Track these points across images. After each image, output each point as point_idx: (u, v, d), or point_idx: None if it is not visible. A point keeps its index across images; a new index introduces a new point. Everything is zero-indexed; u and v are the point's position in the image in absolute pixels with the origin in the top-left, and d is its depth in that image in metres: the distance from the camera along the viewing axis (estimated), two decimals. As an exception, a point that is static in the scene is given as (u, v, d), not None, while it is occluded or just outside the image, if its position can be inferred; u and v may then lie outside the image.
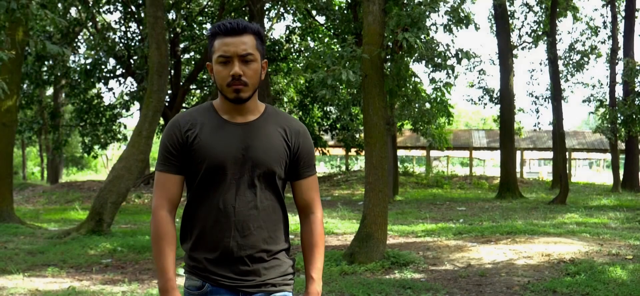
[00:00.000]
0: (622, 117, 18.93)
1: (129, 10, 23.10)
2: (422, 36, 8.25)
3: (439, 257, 8.39)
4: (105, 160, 49.04)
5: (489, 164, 56.56)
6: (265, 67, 2.15)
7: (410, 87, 12.19)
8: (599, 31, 26.38)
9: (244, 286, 2.11)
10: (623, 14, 23.96)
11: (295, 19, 25.93)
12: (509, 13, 21.23)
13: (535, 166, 56.90)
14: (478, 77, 26.57)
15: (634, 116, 17.58)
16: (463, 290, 6.66)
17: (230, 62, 2.06)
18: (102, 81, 23.81)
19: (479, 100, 26.70)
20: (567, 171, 22.58)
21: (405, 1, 8.25)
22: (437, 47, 9.16)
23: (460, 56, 8.59)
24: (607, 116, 20.10)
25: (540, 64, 25.14)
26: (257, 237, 2.11)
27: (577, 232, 10.23)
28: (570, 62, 23.21)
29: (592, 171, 59.59)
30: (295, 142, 2.18)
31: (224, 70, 2.07)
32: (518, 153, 35.11)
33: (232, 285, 2.11)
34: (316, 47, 25.26)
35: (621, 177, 23.31)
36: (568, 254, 8.17)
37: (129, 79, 25.36)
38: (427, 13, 8.37)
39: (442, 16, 8.95)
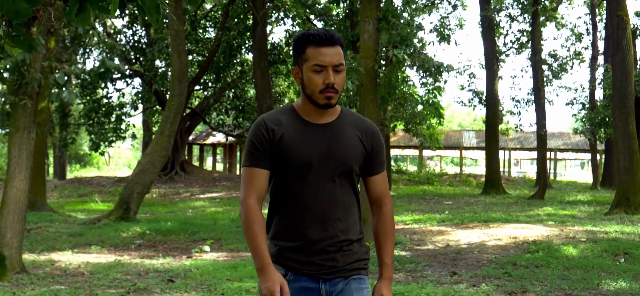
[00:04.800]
0: (598, 120, 20.44)
1: (136, 13, 24.42)
2: (410, 51, 9.72)
3: (423, 239, 9.86)
4: (108, 158, 50.32)
5: (482, 164, 57.96)
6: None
7: (405, 89, 13.63)
8: (583, 37, 27.90)
9: (323, 272, 2.29)
10: (605, 21, 25.44)
11: (294, 23, 27.28)
12: (494, 22, 22.72)
13: (526, 165, 58.32)
14: (468, 81, 28.03)
15: (608, 119, 19.04)
16: (441, 264, 8.09)
17: (324, 71, 2.22)
18: (112, 82, 25.17)
19: (469, 102, 28.14)
20: (548, 170, 24.00)
21: (395, 22, 9.69)
22: (424, 58, 10.64)
23: (441, 69, 10.04)
24: (584, 119, 21.61)
25: (522, 70, 26.64)
26: (335, 228, 2.29)
27: (545, 221, 11.70)
28: (552, 68, 24.71)
29: (584, 171, 60.89)
30: (370, 142, 2.36)
31: (317, 78, 2.22)
32: (506, 152, 36.67)
33: (312, 272, 2.28)
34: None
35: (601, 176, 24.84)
36: (532, 237, 9.63)
37: (137, 79, 26.78)
38: (415, 31, 9.85)
39: (427, 34, 10.40)
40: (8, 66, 6.64)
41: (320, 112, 2.29)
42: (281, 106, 2.50)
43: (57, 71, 6.76)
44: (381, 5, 9.85)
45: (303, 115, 2.31)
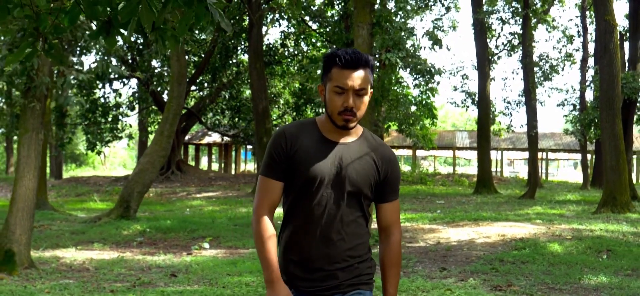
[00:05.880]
0: (587, 121, 20.86)
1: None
2: (402, 55, 10.08)
3: (414, 237, 10.21)
4: (103, 158, 50.51)
5: (476, 164, 58.33)
6: (371, 94, 2.33)
7: (398, 90, 13.92)
8: (574, 39, 28.35)
9: (322, 290, 2.29)
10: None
11: (290, 25, 27.63)
12: (486, 25, 23.12)
13: (520, 165, 58.86)
14: (461, 82, 28.45)
15: (597, 120, 19.45)
16: (431, 260, 8.44)
17: (345, 93, 2.22)
18: (109, 83, 25.47)
19: (462, 103, 28.55)
20: (540, 170, 24.35)
21: (388, 27, 10.03)
22: (417, 61, 11.00)
23: (433, 72, 10.40)
24: (574, 119, 22.03)
25: (513, 72, 27.04)
26: (339, 248, 2.28)
27: (533, 219, 12.07)
28: (542, 69, 25.14)
29: (576, 171, 61.43)
30: (385, 169, 2.35)
31: (338, 99, 2.23)
32: (498, 152, 37.11)
33: (312, 290, 2.29)
34: (310, 53, 27.06)
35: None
36: (520, 235, 9.99)
37: (133, 79, 27.05)
38: (407, 36, 10.21)
39: (419, 39, 10.74)
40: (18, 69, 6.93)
41: (340, 131, 2.31)
42: (305, 118, 2.50)
43: (64, 75, 7.07)
44: (374, 10, 10.19)
45: (323, 131, 2.32)
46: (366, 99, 2.27)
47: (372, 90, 2.32)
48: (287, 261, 2.31)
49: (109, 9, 2.24)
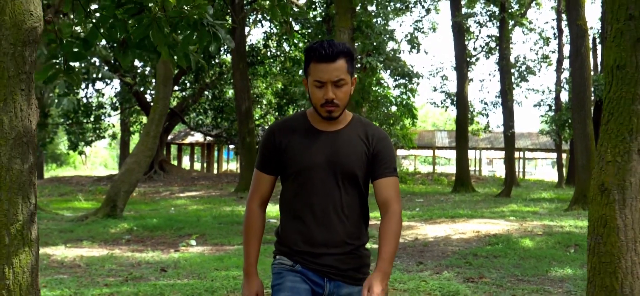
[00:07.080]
0: (561, 121, 21.51)
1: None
2: (382, 58, 10.50)
3: (394, 233, 10.63)
4: (84, 157, 50.35)
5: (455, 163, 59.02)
6: (354, 82, 2.39)
7: (379, 90, 14.30)
8: (550, 41, 29.07)
9: (330, 273, 2.37)
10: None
11: (272, 25, 27.97)
12: (465, 28, 23.67)
13: (499, 164, 59.71)
14: (440, 82, 29.03)
15: (570, 121, 20.09)
16: (409, 256, 8.85)
17: (324, 86, 2.28)
18: (92, 83, 25.60)
19: (442, 103, 29.13)
20: (517, 169, 24.95)
21: (369, 32, 10.44)
22: (396, 65, 11.42)
23: (411, 75, 10.82)
24: (549, 120, 22.70)
25: (490, 74, 27.67)
26: (339, 231, 2.36)
27: (507, 216, 12.57)
28: (519, 71, 25.80)
29: (554, 170, 62.23)
30: (375, 145, 2.40)
31: (318, 92, 2.30)
32: (477, 152, 37.81)
33: (318, 270, 2.37)
34: (292, 53, 27.40)
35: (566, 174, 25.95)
36: (493, 231, 10.46)
37: (116, 80, 27.18)
38: (387, 40, 10.63)
39: (399, 42, 11.18)
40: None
41: (328, 121, 2.38)
42: (297, 111, 2.59)
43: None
44: (355, 15, 10.60)
45: (312, 122, 2.40)
46: (345, 88, 2.31)
47: (354, 76, 2.38)
48: (292, 247, 2.39)
49: (122, 32, 2.58)
